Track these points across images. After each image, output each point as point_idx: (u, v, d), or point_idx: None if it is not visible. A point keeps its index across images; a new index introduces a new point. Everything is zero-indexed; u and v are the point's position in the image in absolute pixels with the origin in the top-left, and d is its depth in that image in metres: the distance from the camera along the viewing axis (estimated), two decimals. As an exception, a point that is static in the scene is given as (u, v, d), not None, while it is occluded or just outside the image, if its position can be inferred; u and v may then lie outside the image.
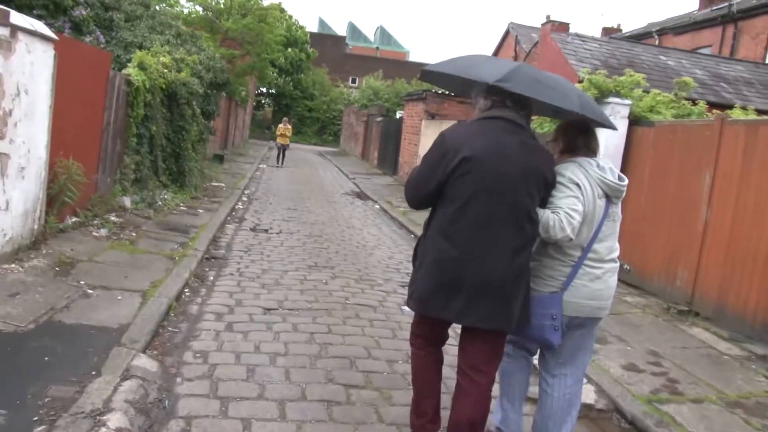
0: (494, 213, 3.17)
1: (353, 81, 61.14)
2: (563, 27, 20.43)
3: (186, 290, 6.52)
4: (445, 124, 17.94)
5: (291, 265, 8.22)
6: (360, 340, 5.62)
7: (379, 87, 48.22)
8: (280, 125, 26.26)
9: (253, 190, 16.36)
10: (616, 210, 3.53)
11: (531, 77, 3.30)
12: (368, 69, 56.32)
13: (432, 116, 19.97)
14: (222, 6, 27.75)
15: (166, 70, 11.41)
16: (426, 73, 3.86)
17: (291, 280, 7.47)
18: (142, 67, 10.58)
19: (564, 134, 3.62)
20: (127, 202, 9.84)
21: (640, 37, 29.66)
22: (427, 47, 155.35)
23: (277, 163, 25.11)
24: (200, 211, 11.24)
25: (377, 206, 15.80)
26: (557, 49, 19.36)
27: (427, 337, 3.59)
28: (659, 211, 8.47)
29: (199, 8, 27.73)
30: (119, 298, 5.66)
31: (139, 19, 13.74)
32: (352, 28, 79.08)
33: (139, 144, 10.84)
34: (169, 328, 5.34)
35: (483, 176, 3.15)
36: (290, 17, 50.56)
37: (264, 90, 55.32)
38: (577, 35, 20.60)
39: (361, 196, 18.06)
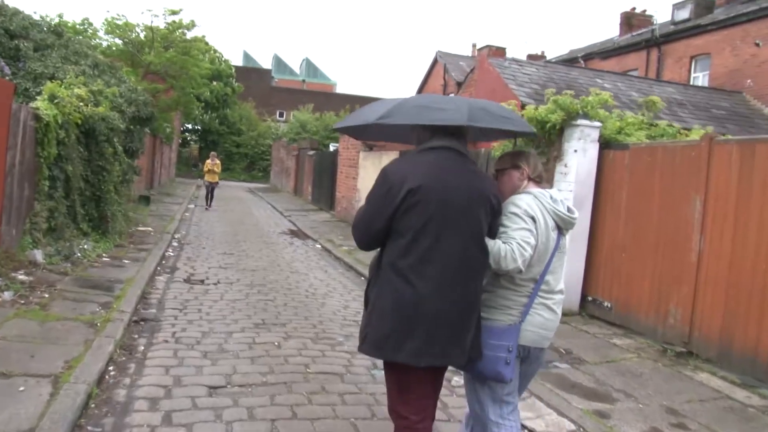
0: (445, 243, 3.08)
1: (281, 114, 59.87)
2: (500, 52, 20.00)
3: (110, 368, 5.31)
4: (385, 156, 17.08)
5: (235, 325, 7.07)
6: (334, 425, 4.52)
7: (308, 120, 47.23)
8: (208, 161, 23.24)
9: (183, 233, 15.03)
10: (565, 242, 3.49)
11: (417, 105, 3.24)
12: (295, 102, 55.27)
13: (370, 147, 19.08)
14: (143, 39, 26.40)
15: (81, 104, 10.15)
16: (344, 131, 3.89)
17: (237, 344, 6.32)
18: (53, 100, 9.32)
19: (526, 161, 3.50)
20: (38, 256, 8.51)
21: (567, 62, 29.77)
22: (355, 78, 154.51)
23: (206, 203, 22.34)
24: (126, 261, 9.94)
25: (318, 246, 14.72)
26: (496, 74, 18.85)
27: (418, 407, 3.26)
28: (641, 241, 7.71)
29: (118, 41, 26.32)
30: (22, 389, 4.43)
31: (51, 49, 12.44)
32: (278, 61, 77.81)
33: (52, 188, 9.54)
34: (89, 428, 4.15)
35: (430, 206, 3.06)
36: (214, 51, 49.19)
37: (190, 126, 53.58)
38: (514, 60, 20.20)
39: (300, 234, 16.95)
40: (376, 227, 3.14)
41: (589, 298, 8.47)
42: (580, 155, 8.26)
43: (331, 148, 29.91)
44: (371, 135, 4.33)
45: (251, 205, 26.27)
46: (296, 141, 39.22)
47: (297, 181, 33.18)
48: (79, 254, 9.57)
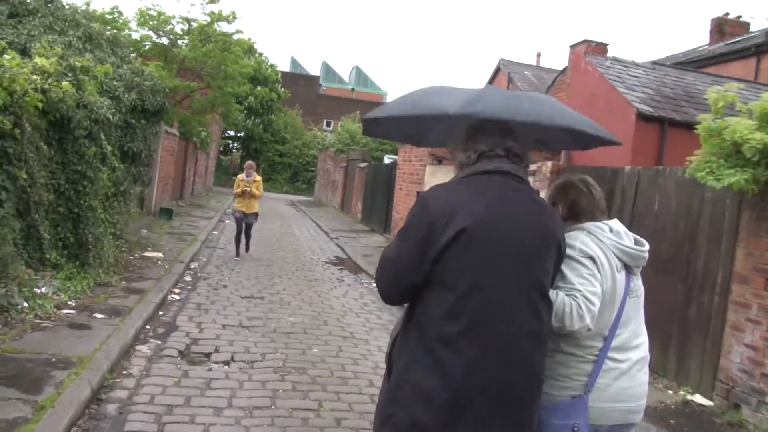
0: (507, 298, 2.35)
1: (327, 124, 56.93)
2: (600, 49, 16.32)
3: None
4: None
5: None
6: None
7: (356, 130, 44.08)
8: (240, 176, 12.82)
9: (203, 261, 11.71)
10: (638, 283, 2.81)
11: (504, 95, 2.66)
12: (343, 111, 52.15)
13: (439, 161, 15.62)
14: (179, 32, 23.43)
15: (46, 81, 6.90)
16: (369, 126, 3.08)
17: None
18: (-7, 70, 6.08)
19: (564, 196, 2.88)
20: (-63, 315, 5.23)
21: (662, 71, 26.04)
22: (406, 88, 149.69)
23: (237, 250, 12.70)
24: (98, 316, 6.62)
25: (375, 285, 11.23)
26: (597, 75, 15.23)
27: None
28: None
29: (151, 33, 23.37)
30: None
31: (33, 15, 9.26)
32: (327, 68, 74.50)
33: (-7, 202, 6.32)
34: None
35: (490, 251, 2.34)
36: (260, 54, 46.53)
37: (232, 133, 50.80)
38: (615, 59, 16.57)
39: (350, 266, 13.50)
40: (411, 277, 2.38)
41: None
42: None
43: (386, 160, 26.56)
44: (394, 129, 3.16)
45: (292, 222, 22.90)
46: (344, 152, 36.11)
47: (344, 196, 29.85)
48: (24, 304, 6.29)
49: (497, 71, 35.96)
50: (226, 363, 5.93)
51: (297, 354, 6.43)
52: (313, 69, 75.38)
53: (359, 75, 76.79)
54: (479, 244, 2.35)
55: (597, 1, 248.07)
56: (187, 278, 9.90)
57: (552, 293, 2.53)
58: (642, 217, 7.40)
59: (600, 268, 2.63)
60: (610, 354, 2.65)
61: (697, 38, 66.47)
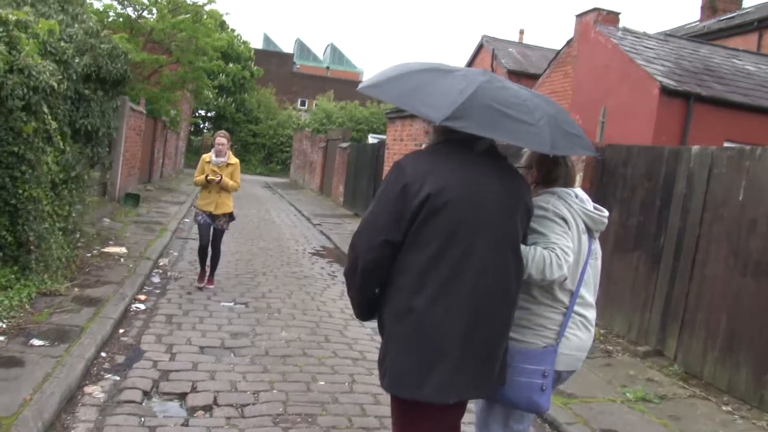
0: (479, 253, 2.53)
1: (302, 103, 55.04)
2: (611, 18, 14.87)
3: None
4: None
5: None
6: None
7: (332, 109, 42.37)
8: (206, 156, 8.03)
9: (174, 256, 10.11)
10: (597, 247, 3.06)
11: (491, 106, 2.49)
12: (318, 89, 50.45)
13: (435, 139, 14.11)
14: (147, 1, 21.55)
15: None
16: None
17: None
18: None
19: (540, 164, 3.05)
20: None
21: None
22: (383, 66, 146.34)
23: (201, 274, 8.18)
24: (36, 342, 5.07)
25: (374, 280, 9.75)
26: (611, 46, 13.80)
27: None
28: None
29: (115, 3, 21.44)
30: None
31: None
32: (301, 46, 72.13)
33: None
34: None
35: (461, 210, 2.51)
36: (233, 31, 44.44)
37: (203, 112, 48.67)
38: (627, 30, 15.16)
39: (340, 257, 11.96)
40: (387, 234, 2.49)
41: None
42: None
43: (371, 140, 25.00)
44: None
45: (270, 206, 21.23)
46: (321, 131, 34.46)
47: (324, 178, 28.23)
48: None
49: (480, 48, 34.41)
50: (208, 409, 4.43)
51: (300, 391, 4.94)
52: (287, 46, 73.36)
53: (334, 52, 74.65)
54: (450, 205, 2.47)
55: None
56: (155, 279, 8.35)
57: (531, 249, 2.71)
58: (719, 207, 6.02)
59: (570, 228, 2.84)
60: (576, 308, 2.89)
61: (684, 15, 65.34)
